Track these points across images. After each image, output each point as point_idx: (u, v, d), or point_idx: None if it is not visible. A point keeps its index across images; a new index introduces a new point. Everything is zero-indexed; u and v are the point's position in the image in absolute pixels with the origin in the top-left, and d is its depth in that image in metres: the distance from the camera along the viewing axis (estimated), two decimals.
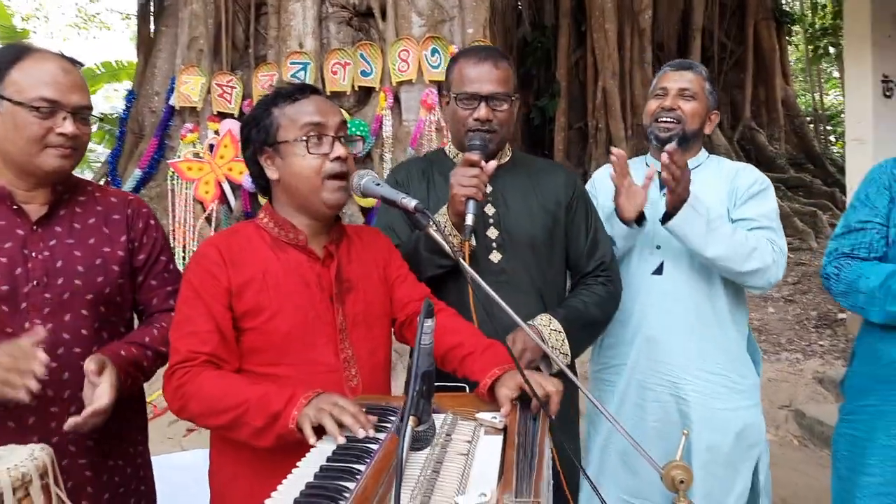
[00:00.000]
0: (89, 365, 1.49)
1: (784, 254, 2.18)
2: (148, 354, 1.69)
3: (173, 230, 5.91)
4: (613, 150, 2.11)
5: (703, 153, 2.35)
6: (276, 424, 1.35)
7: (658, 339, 2.23)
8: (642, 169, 2.36)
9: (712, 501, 2.16)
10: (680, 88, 2.23)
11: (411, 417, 0.94)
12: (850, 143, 5.79)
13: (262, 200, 1.75)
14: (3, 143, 1.60)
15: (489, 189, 1.99)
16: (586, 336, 2.03)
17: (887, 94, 5.32)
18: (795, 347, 6.04)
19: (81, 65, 1.70)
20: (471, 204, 1.75)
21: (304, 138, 1.55)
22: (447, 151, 2.13)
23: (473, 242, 1.78)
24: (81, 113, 1.63)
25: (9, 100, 1.56)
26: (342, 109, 5.91)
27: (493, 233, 1.96)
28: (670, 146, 2.01)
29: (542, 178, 2.07)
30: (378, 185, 1.50)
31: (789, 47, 13.97)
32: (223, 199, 5.98)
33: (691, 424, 2.18)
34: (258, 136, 1.60)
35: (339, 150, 1.56)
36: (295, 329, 1.53)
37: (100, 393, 1.48)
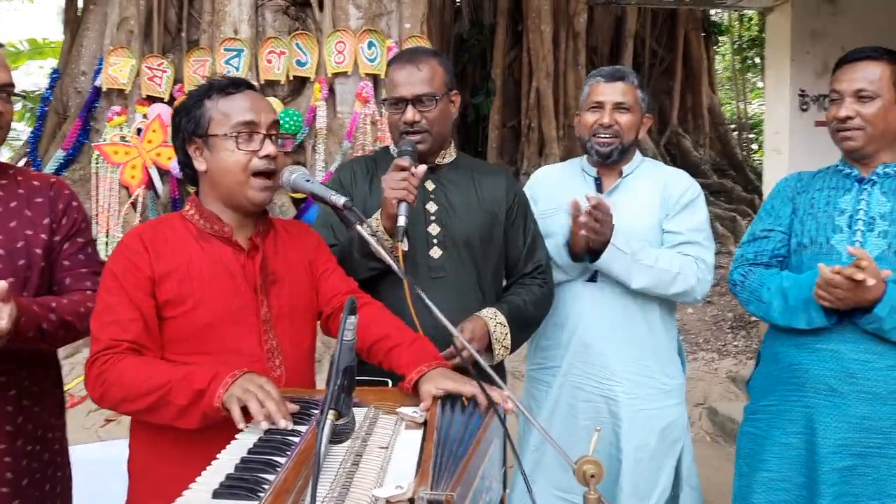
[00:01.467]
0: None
1: (710, 268, 2.30)
2: (51, 318, 1.62)
3: (97, 215, 5.73)
4: (575, 201, 2.14)
5: (637, 157, 2.43)
6: (200, 402, 1.35)
7: (591, 344, 2.31)
8: (578, 175, 2.45)
9: (640, 496, 2.28)
10: (615, 103, 2.29)
11: (331, 411, 0.97)
12: (767, 152, 6.06)
13: (191, 189, 1.74)
14: None
15: (432, 186, 2.04)
16: (524, 333, 2.12)
17: (803, 107, 5.58)
18: (711, 347, 6.29)
19: (2, 45, 1.66)
20: (402, 206, 1.78)
21: (235, 134, 1.55)
22: (391, 150, 2.16)
23: (405, 246, 1.82)
24: (3, 90, 1.60)
25: None
26: (276, 98, 5.85)
27: (434, 229, 2.01)
28: (592, 196, 2.11)
29: (484, 180, 2.12)
30: (308, 181, 1.53)
31: (716, 57, 14.45)
32: (150, 184, 5.82)
33: (620, 423, 2.28)
34: (188, 125, 1.60)
35: (269, 148, 1.57)
36: (218, 319, 1.54)
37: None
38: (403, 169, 1.82)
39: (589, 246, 2.19)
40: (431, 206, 2.03)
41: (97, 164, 5.83)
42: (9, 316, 1.45)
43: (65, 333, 1.64)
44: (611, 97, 2.30)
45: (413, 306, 1.74)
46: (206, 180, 1.63)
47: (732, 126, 13.89)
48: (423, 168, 1.83)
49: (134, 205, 5.73)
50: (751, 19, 13.76)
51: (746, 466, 2.17)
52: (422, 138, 1.97)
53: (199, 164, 1.61)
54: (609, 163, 2.35)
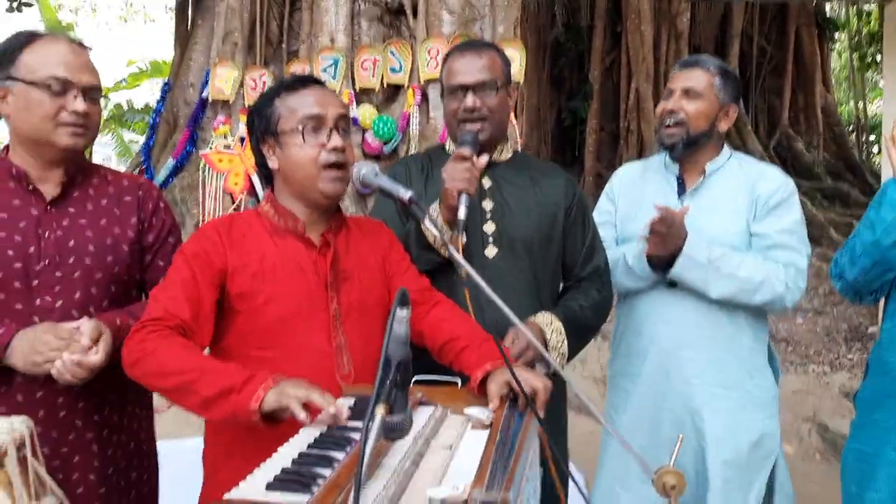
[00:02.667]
0: (86, 338, 1.52)
1: (803, 273, 2.13)
2: None
3: (203, 220, 5.99)
4: (658, 206, 2.05)
5: (725, 152, 2.27)
6: (230, 397, 1.33)
7: (672, 353, 2.19)
8: (660, 173, 2.33)
9: None
10: (684, 88, 2.17)
11: (382, 405, 0.94)
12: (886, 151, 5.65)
13: None
14: (16, 123, 1.65)
15: (489, 184, 2.00)
16: (581, 339, 2.02)
17: None
18: (823, 360, 5.93)
19: (90, 49, 1.74)
20: (463, 198, 1.76)
21: (301, 128, 1.56)
22: (446, 147, 2.14)
23: (464, 239, 1.78)
24: (92, 93, 1.68)
25: (21, 80, 1.61)
26: (370, 105, 5.94)
27: (489, 227, 1.97)
28: (660, 206, 2.01)
29: (542, 179, 2.07)
30: (376, 175, 1.51)
31: (833, 55, 13.67)
32: (252, 190, 6.04)
33: (705, 437, 2.14)
34: (260, 125, 1.63)
35: (336, 140, 1.57)
36: (288, 314, 1.55)
37: (94, 354, 1.52)
38: (465, 159, 1.79)
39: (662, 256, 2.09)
40: (487, 204, 1.99)
41: (204, 171, 6.10)
42: (103, 352, 1.54)
43: None
44: (680, 83, 2.19)
45: (471, 301, 1.70)
46: (279, 178, 1.66)
47: (850, 127, 13.10)
48: (484, 159, 1.80)
49: (237, 210, 5.96)
50: (869, 14, 12.93)
51: (855, 486, 2.00)
52: (481, 126, 1.93)
53: (272, 163, 1.64)
54: (679, 155, 2.22)
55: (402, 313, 0.95)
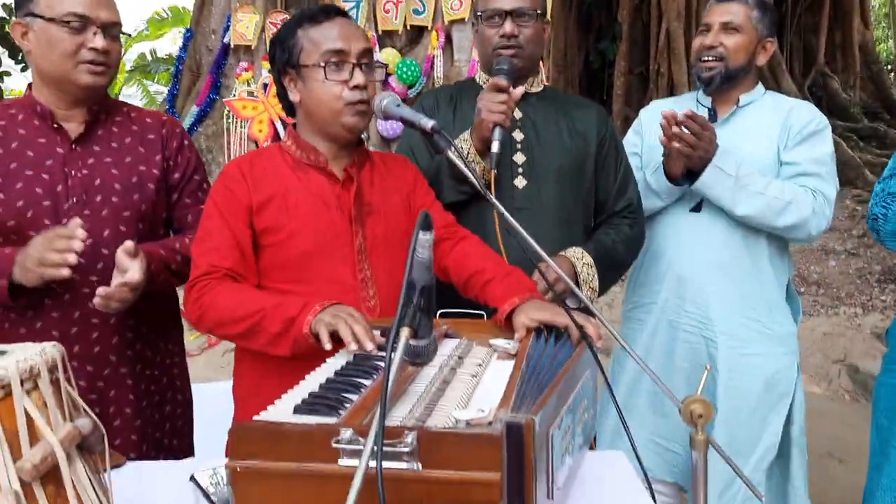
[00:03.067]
0: (122, 251, 1.53)
1: (830, 202, 2.09)
2: (177, 258, 1.73)
3: None
4: (664, 112, 2.01)
5: (759, 88, 2.23)
6: (291, 329, 1.38)
7: (690, 279, 2.17)
8: (691, 103, 2.28)
9: (735, 452, 2.08)
10: (722, 23, 2.12)
11: (406, 328, 0.94)
12: None
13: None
14: (38, 60, 1.65)
15: (519, 115, 1.96)
16: (612, 274, 2.00)
17: None
18: (855, 302, 5.85)
19: None
20: (497, 131, 1.73)
21: (324, 64, 1.53)
22: (477, 79, 2.10)
23: (495, 171, 1.76)
24: (111, 30, 1.66)
25: (40, 17, 1.60)
26: (393, 49, 5.86)
27: (519, 158, 1.94)
28: (688, 111, 1.95)
29: (574, 111, 2.03)
30: (398, 105, 1.49)
31: None
32: (276, 137, 6.03)
33: (717, 367, 2.13)
34: (282, 56, 1.60)
35: (359, 77, 1.54)
36: (313, 248, 1.55)
37: (131, 271, 1.53)
38: (501, 89, 1.75)
39: (688, 167, 2.04)
40: (518, 135, 1.95)
41: (228, 119, 6.09)
42: (140, 270, 1.54)
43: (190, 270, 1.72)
44: (718, 17, 2.13)
45: (501, 234, 1.69)
46: (301, 111, 1.64)
47: (889, 66, 12.68)
48: (520, 90, 1.78)
49: None
50: None
51: (886, 420, 1.99)
52: (517, 54, 1.89)
53: (294, 96, 1.62)
54: (715, 90, 2.17)
55: (425, 237, 0.94)
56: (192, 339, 5.17)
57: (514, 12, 1.88)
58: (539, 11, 1.92)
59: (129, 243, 1.53)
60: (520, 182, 1.93)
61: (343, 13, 1.62)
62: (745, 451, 2.13)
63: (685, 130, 1.97)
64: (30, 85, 1.73)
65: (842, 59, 10.83)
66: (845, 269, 6.42)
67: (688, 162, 2.03)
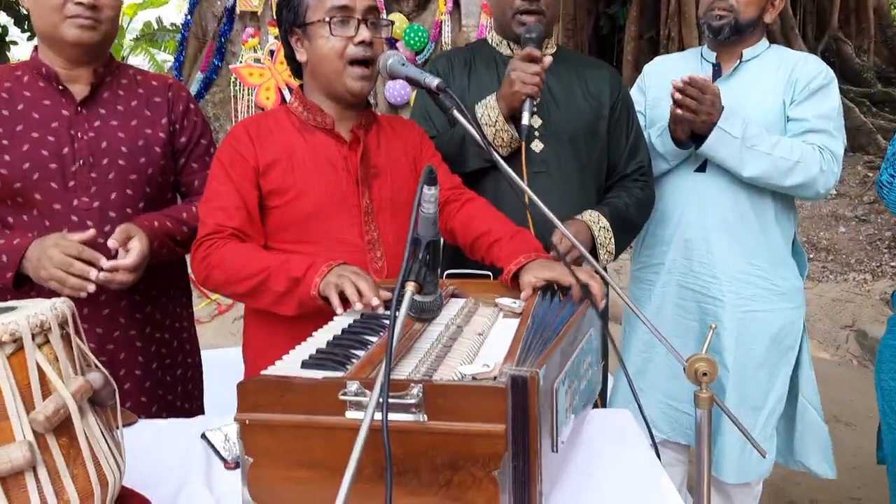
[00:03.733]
0: (112, 241, 1.53)
1: (838, 159, 2.08)
2: (183, 229, 1.73)
3: None
4: (673, 82, 1.99)
5: (763, 42, 2.21)
6: (297, 289, 1.39)
7: (696, 239, 2.17)
8: (696, 61, 2.27)
9: (748, 405, 2.14)
10: None
11: (410, 283, 0.95)
12: None
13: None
14: (33, 17, 1.65)
15: None
16: (627, 237, 2.02)
17: None
18: (864, 268, 5.83)
19: None
20: (528, 102, 1.74)
21: (328, 20, 1.53)
22: (490, 40, 2.09)
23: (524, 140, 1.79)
24: None
25: None
26: (401, 14, 5.80)
27: (535, 121, 1.93)
28: (684, 77, 1.94)
29: (587, 73, 2.03)
30: (404, 65, 1.48)
31: None
32: (283, 104, 6.02)
33: (723, 325, 2.13)
34: (288, 16, 1.60)
35: (364, 33, 1.53)
36: (320, 209, 1.56)
37: (129, 254, 1.54)
38: (534, 59, 1.74)
39: (693, 130, 2.03)
40: None
41: (235, 86, 6.07)
42: (138, 253, 1.54)
43: None
44: None
45: (526, 200, 1.69)
46: (307, 72, 1.63)
47: None
48: (549, 59, 1.76)
49: None
50: None
51: (890, 380, 1.99)
52: (537, 20, 1.88)
53: (300, 55, 1.61)
54: (723, 40, 2.14)
55: (429, 191, 0.94)
56: (201, 306, 5.21)
57: None
58: None
59: (111, 242, 1.53)
60: (536, 146, 1.93)
61: None
62: (757, 405, 2.15)
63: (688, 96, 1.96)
64: (36, 47, 1.72)
65: (855, 23, 10.64)
66: (855, 236, 6.38)
67: (692, 125, 2.02)
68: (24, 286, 1.60)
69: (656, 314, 2.25)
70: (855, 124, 8.18)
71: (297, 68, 1.68)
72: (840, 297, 5.22)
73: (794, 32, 9.60)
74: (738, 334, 2.13)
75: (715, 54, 2.22)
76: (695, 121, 1.99)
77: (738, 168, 2.04)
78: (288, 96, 5.95)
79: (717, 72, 2.21)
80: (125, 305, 1.73)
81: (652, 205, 2.10)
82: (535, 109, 1.86)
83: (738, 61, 2.18)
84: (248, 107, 6.06)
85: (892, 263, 5.82)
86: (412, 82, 1.46)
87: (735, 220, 2.14)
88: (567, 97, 1.97)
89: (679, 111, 1.98)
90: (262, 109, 6.01)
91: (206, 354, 2.06)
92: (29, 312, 0.91)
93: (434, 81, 1.38)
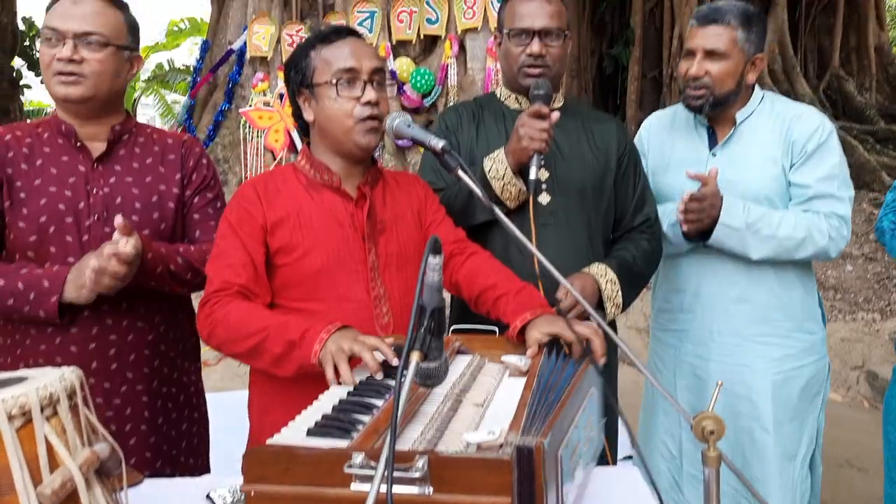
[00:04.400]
0: (119, 218, 1.51)
1: (847, 220, 2.08)
2: (178, 261, 1.71)
3: (246, 177, 6.06)
4: (679, 203, 2.03)
5: (756, 96, 2.17)
6: (294, 352, 1.39)
7: (719, 310, 2.16)
8: (690, 124, 2.25)
9: (787, 455, 2.13)
10: (706, 50, 2.04)
11: (416, 352, 0.95)
12: None
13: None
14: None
15: None
16: (634, 289, 2.01)
17: None
18: (873, 307, 5.79)
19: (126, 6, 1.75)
20: (536, 157, 1.77)
21: (335, 81, 1.56)
22: (498, 94, 2.12)
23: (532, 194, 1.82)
24: (87, 38, 1.66)
25: (41, 36, 1.67)
26: (407, 58, 5.89)
27: (543, 174, 1.95)
28: (685, 196, 1.98)
29: (594, 127, 2.05)
30: (409, 126, 1.51)
31: None
32: (292, 146, 6.08)
33: (755, 391, 2.12)
34: (296, 77, 1.63)
35: (370, 94, 1.57)
36: (327, 266, 1.57)
37: (128, 244, 1.51)
38: (541, 116, 1.76)
39: (699, 229, 2.06)
40: None
41: (245, 129, 6.15)
42: (133, 246, 1.51)
43: (192, 276, 1.73)
44: (700, 43, 2.05)
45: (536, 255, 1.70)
46: (315, 131, 1.66)
47: None
48: (556, 115, 1.79)
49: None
50: None
51: None
52: (543, 73, 1.91)
53: (308, 115, 1.64)
54: (706, 114, 2.14)
55: (434, 260, 0.96)
56: (208, 348, 5.20)
57: (542, 32, 1.89)
58: (566, 32, 1.94)
59: (119, 219, 1.50)
60: (543, 198, 1.95)
61: (355, 33, 1.64)
62: (792, 453, 2.15)
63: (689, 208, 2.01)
64: None
65: (857, 61, 10.73)
66: (863, 274, 6.36)
67: (700, 226, 2.04)
68: (66, 316, 1.61)
69: (681, 379, 2.25)
70: (858, 162, 8.21)
71: (304, 126, 1.71)
72: (849, 337, 5.18)
73: (795, 72, 9.69)
74: (773, 395, 2.12)
75: (706, 118, 2.20)
76: (701, 222, 2.02)
77: (746, 253, 2.06)
78: (297, 138, 6.02)
79: (711, 136, 2.20)
80: (134, 360, 1.74)
81: (659, 257, 2.09)
82: (542, 163, 1.88)
83: (733, 127, 2.16)
84: (256, 149, 6.12)
85: None
86: (417, 143, 1.48)
87: (754, 286, 2.13)
88: (574, 151, 1.99)
89: (685, 225, 2.04)
90: (272, 152, 6.08)
91: (212, 398, 2.06)
92: (38, 384, 0.92)
93: (439, 143, 1.40)
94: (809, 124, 2.09)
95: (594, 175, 1.99)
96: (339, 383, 1.30)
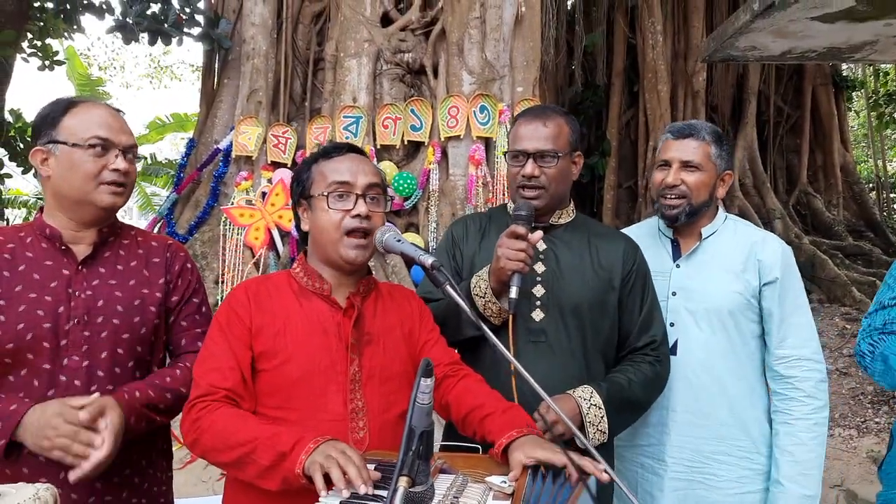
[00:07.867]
0: (84, 413, 1.51)
1: (821, 360, 2.09)
2: (167, 397, 1.71)
3: (223, 274, 6.04)
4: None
5: (720, 216, 2.23)
6: (282, 464, 1.35)
7: (682, 422, 2.14)
8: (655, 237, 2.29)
9: None
10: (682, 161, 2.13)
11: (404, 478, 0.94)
12: None
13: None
14: (58, 184, 1.70)
15: (543, 247, 1.99)
16: (626, 415, 1.94)
17: None
18: (849, 423, 5.78)
19: (124, 112, 1.81)
20: (515, 277, 1.77)
21: (327, 193, 1.60)
22: (508, 208, 2.15)
23: (512, 311, 1.80)
24: (130, 151, 1.75)
25: (64, 143, 1.66)
26: (391, 162, 6.02)
27: (538, 291, 1.95)
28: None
29: (601, 244, 2.03)
30: (399, 241, 1.53)
31: (850, 113, 13.72)
32: (272, 245, 6.09)
33: None
34: (297, 188, 1.70)
35: (361, 207, 1.60)
36: (306, 374, 1.56)
37: (99, 443, 1.51)
38: (519, 237, 1.78)
39: None
40: (539, 267, 1.96)
41: (225, 226, 6.17)
42: (110, 437, 1.52)
43: (182, 402, 1.69)
44: (678, 155, 2.14)
45: (514, 373, 1.69)
46: (310, 240, 1.70)
47: (870, 185, 13.07)
48: (538, 234, 1.79)
49: (257, 264, 6.00)
50: (886, 73, 13.03)
51: None
52: (538, 194, 1.94)
53: (304, 225, 1.69)
54: (680, 224, 2.18)
55: (425, 383, 0.95)
56: (174, 449, 5.03)
57: (536, 154, 1.93)
58: (562, 152, 1.95)
59: (83, 414, 1.50)
60: (537, 315, 1.93)
61: (356, 149, 1.70)
62: None
63: None
64: (41, 209, 1.77)
65: (824, 179, 11.18)
66: (838, 389, 6.38)
67: None
68: (13, 454, 1.56)
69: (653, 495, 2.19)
70: (830, 276, 8.40)
71: (304, 236, 1.74)
72: (827, 455, 5.13)
73: (766, 186, 10.05)
74: None
75: (672, 230, 2.24)
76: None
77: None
78: (277, 237, 6.05)
79: (675, 248, 2.23)
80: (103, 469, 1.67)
81: (663, 381, 2.02)
82: (539, 279, 1.90)
83: (698, 242, 2.19)
84: (236, 246, 6.12)
85: (877, 419, 5.79)
86: (407, 258, 1.50)
87: (710, 404, 2.12)
88: (574, 268, 1.97)
89: None
90: (251, 249, 6.08)
91: None
92: (15, 500, 0.89)
93: (428, 260, 1.42)
94: (770, 252, 2.13)
95: (593, 294, 1.95)
96: (329, 492, 1.26)
